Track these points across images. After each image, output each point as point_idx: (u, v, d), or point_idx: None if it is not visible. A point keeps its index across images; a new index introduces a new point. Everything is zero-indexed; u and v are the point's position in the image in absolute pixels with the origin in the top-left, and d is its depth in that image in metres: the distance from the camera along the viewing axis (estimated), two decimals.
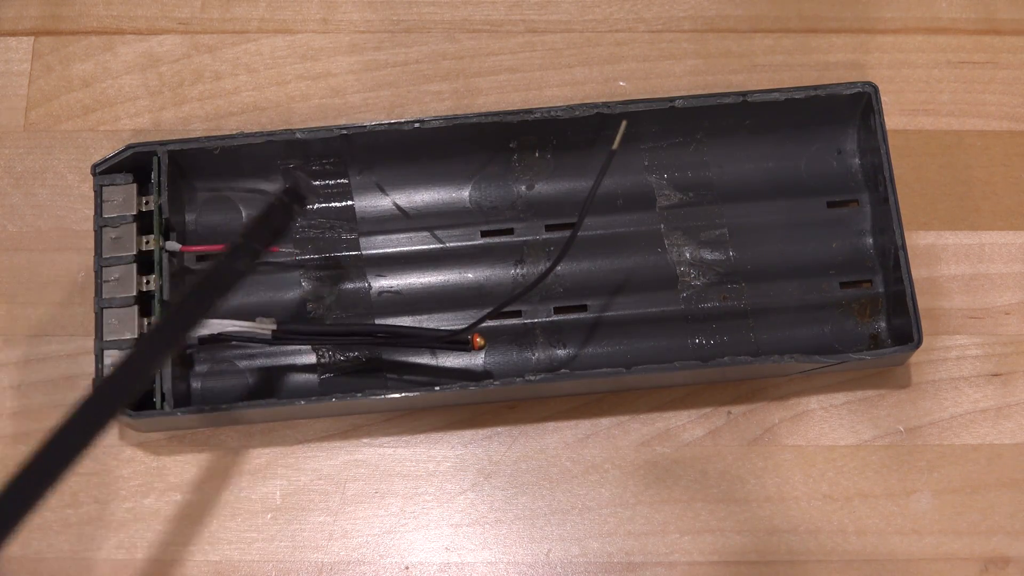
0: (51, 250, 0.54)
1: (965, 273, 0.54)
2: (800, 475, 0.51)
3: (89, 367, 0.52)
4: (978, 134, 0.56)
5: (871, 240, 0.53)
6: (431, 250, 0.54)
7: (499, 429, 0.52)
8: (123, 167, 0.51)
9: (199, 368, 0.52)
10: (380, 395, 0.49)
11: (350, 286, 0.53)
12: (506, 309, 0.52)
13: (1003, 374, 0.53)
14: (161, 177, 0.51)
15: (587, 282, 0.53)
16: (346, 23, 0.57)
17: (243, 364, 0.52)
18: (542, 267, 0.53)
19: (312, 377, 0.52)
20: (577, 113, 0.52)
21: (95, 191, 0.51)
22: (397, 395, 0.49)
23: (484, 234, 0.54)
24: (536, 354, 0.52)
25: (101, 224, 0.50)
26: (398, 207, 0.54)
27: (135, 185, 0.51)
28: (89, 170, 0.51)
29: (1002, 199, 0.55)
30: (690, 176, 0.54)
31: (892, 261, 0.51)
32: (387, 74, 0.56)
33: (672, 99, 0.52)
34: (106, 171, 0.51)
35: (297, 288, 0.53)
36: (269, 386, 0.52)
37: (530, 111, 0.52)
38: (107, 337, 0.49)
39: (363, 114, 0.56)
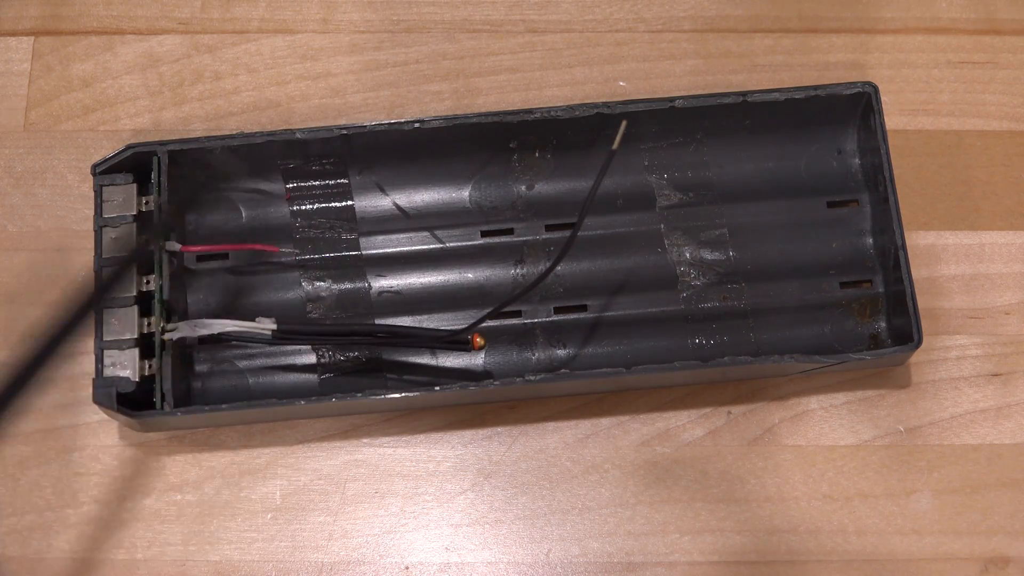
0: (51, 250, 0.54)
1: (965, 273, 0.54)
2: (800, 475, 0.51)
3: (89, 367, 0.51)
4: (978, 134, 0.56)
5: (871, 240, 0.53)
6: (431, 250, 0.54)
7: (499, 429, 0.52)
8: (123, 167, 0.51)
9: (199, 368, 0.52)
10: (380, 395, 0.49)
11: (350, 286, 0.53)
12: (506, 309, 0.52)
13: (1003, 374, 0.53)
14: (161, 177, 0.51)
15: (587, 282, 0.53)
16: (346, 23, 0.57)
17: (243, 364, 0.52)
18: (542, 267, 0.53)
19: (312, 377, 0.52)
20: (577, 113, 0.52)
21: (95, 191, 0.51)
22: (397, 395, 0.49)
23: (484, 234, 0.54)
24: (536, 354, 0.52)
25: (101, 224, 0.50)
26: (398, 207, 0.54)
27: (135, 185, 0.51)
28: (89, 170, 0.51)
29: (1002, 199, 0.55)
30: (690, 176, 0.54)
31: (892, 261, 0.51)
32: (387, 74, 0.56)
33: (672, 99, 0.52)
34: (106, 171, 0.51)
35: (297, 288, 0.53)
36: (269, 386, 0.52)
37: (530, 111, 0.52)
38: (107, 337, 0.49)
39: (363, 114, 0.56)
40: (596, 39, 0.57)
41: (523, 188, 0.54)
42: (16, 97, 0.56)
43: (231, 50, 0.56)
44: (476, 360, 0.52)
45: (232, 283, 0.53)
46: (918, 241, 0.54)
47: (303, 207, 0.54)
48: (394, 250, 0.54)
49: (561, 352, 0.53)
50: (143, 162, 0.51)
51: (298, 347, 0.52)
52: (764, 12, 0.57)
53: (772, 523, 0.51)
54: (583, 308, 0.53)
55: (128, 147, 0.51)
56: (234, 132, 0.53)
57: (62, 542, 0.51)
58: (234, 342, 0.51)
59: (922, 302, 0.52)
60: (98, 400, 0.48)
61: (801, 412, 0.52)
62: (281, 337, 0.49)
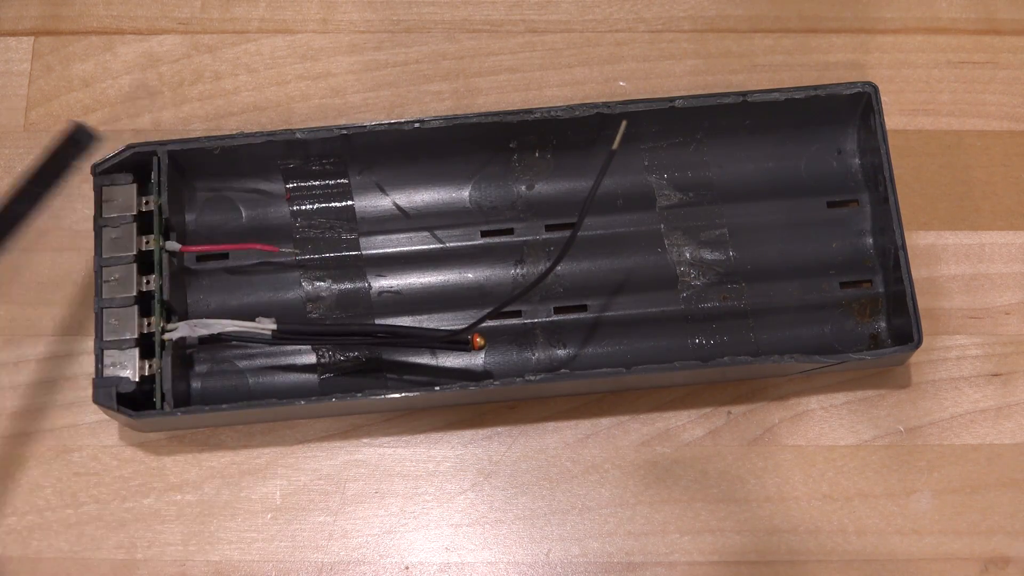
0: (51, 250, 0.54)
1: (965, 273, 0.54)
2: (800, 475, 0.51)
3: (89, 367, 0.52)
4: (978, 134, 0.56)
5: (871, 240, 0.53)
6: (431, 250, 0.54)
7: (499, 429, 0.52)
8: (123, 167, 0.51)
9: (199, 368, 0.52)
10: (380, 395, 0.49)
11: (350, 286, 0.53)
12: (506, 309, 0.52)
13: (1003, 374, 0.53)
14: (161, 177, 0.51)
15: (587, 282, 0.53)
16: (346, 23, 0.57)
17: (243, 364, 0.52)
18: (542, 267, 0.53)
19: (312, 377, 0.52)
20: (577, 113, 0.52)
21: (95, 191, 0.51)
22: (397, 395, 0.49)
23: (484, 234, 0.54)
24: (536, 354, 0.52)
25: (101, 224, 0.50)
26: (398, 207, 0.54)
27: (135, 185, 0.51)
28: (89, 170, 0.51)
29: (1002, 199, 0.55)
30: (690, 176, 0.54)
31: (892, 261, 0.51)
32: (387, 74, 0.56)
33: (672, 99, 0.52)
34: (106, 171, 0.51)
35: (297, 288, 0.53)
36: (269, 386, 0.52)
37: (530, 111, 0.52)
38: (107, 337, 0.49)
39: (363, 114, 0.56)
40: (596, 39, 0.57)
41: (523, 188, 0.54)
42: (16, 97, 0.56)
43: (231, 50, 0.56)
44: (476, 360, 0.52)
45: (232, 283, 0.53)
46: (918, 241, 0.54)
47: (303, 207, 0.54)
48: (394, 250, 0.54)
49: (561, 352, 0.53)
50: (143, 162, 0.51)
51: (298, 347, 0.52)
52: (764, 12, 0.57)
53: (772, 523, 0.51)
54: (583, 308, 0.53)
55: (128, 147, 0.51)
56: (234, 132, 0.53)
57: (62, 542, 0.51)
58: (234, 342, 0.51)
59: (922, 302, 0.52)
60: (98, 400, 0.48)
61: (801, 412, 0.52)
62: (281, 337, 0.49)
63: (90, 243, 0.52)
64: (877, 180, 0.52)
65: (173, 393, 0.49)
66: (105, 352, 0.49)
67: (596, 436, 0.52)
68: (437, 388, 0.49)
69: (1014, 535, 0.51)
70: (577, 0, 0.57)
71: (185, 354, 0.52)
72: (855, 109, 0.53)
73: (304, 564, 0.50)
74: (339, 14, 0.57)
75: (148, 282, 0.50)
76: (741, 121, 0.53)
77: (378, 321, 0.53)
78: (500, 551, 0.51)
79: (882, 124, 0.52)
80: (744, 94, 0.52)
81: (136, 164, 0.51)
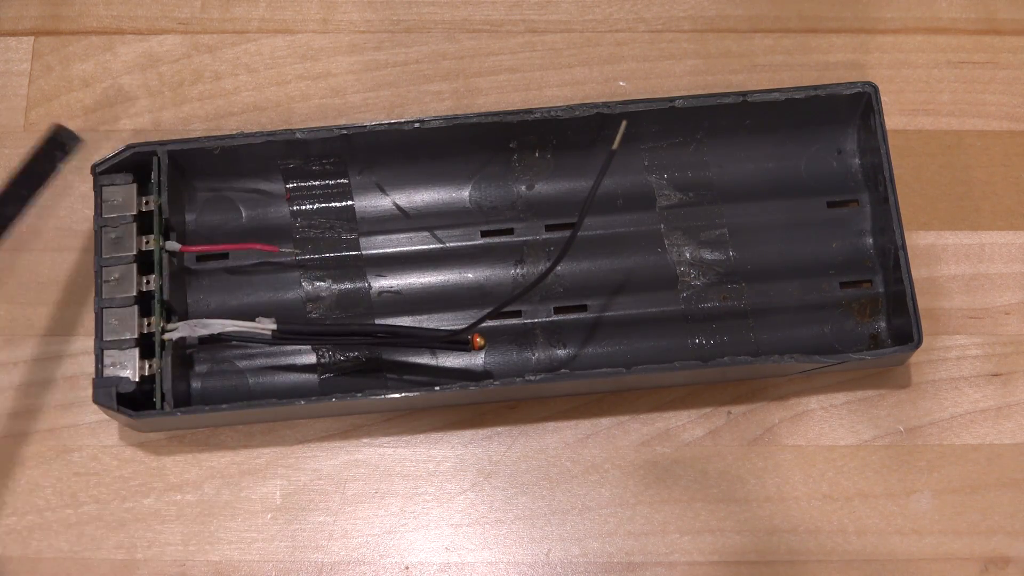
0: (51, 250, 0.54)
1: (965, 273, 0.54)
2: (800, 475, 0.51)
3: (89, 367, 0.52)
4: (978, 134, 0.56)
5: (871, 240, 0.53)
6: (431, 250, 0.54)
7: (499, 429, 0.52)
8: (123, 167, 0.51)
9: (199, 368, 0.52)
10: (380, 395, 0.49)
11: (350, 286, 0.53)
12: (506, 309, 0.52)
13: (1003, 374, 0.53)
14: (161, 177, 0.51)
15: (587, 282, 0.53)
16: (346, 23, 0.57)
17: (243, 364, 0.52)
18: (542, 267, 0.53)
19: (312, 377, 0.52)
20: (577, 113, 0.52)
21: (95, 191, 0.51)
22: (397, 395, 0.49)
23: (484, 234, 0.54)
24: (536, 354, 0.52)
25: (101, 224, 0.50)
26: (398, 207, 0.54)
27: (135, 185, 0.51)
28: (89, 170, 0.51)
29: (1002, 199, 0.55)
30: (690, 176, 0.54)
31: (892, 261, 0.51)
32: (387, 74, 0.56)
33: (672, 99, 0.52)
34: (106, 171, 0.51)
35: (297, 288, 0.53)
36: (269, 386, 0.52)
37: (530, 111, 0.52)
38: (107, 337, 0.49)
39: (363, 114, 0.56)
40: (596, 39, 0.57)
41: (523, 188, 0.54)
42: (16, 97, 0.56)
43: (231, 50, 0.56)
44: (476, 360, 0.52)
45: (232, 283, 0.53)
46: (918, 241, 0.54)
47: (303, 207, 0.54)
48: (394, 250, 0.54)
49: (561, 352, 0.53)
50: (143, 162, 0.51)
51: (298, 347, 0.52)
52: (764, 12, 0.57)
53: (772, 523, 0.51)
54: (583, 308, 0.53)
55: (128, 147, 0.51)
56: (234, 132, 0.53)
57: (62, 542, 0.51)
58: (234, 342, 0.51)
59: (922, 302, 0.52)
60: (98, 400, 0.48)
61: (801, 412, 0.52)
62: (281, 337, 0.49)
63: (90, 243, 0.53)
64: (877, 180, 0.52)
65: (173, 393, 0.49)
66: (105, 352, 0.49)
67: (596, 436, 0.52)
68: (437, 388, 0.49)
69: (1014, 535, 0.51)
70: (577, 0, 0.57)
71: (185, 354, 0.52)
72: (855, 109, 0.53)
73: (304, 564, 0.50)
74: (339, 14, 0.57)
75: (148, 282, 0.50)
76: (741, 121, 0.54)
77: (378, 321, 0.53)
78: (500, 551, 0.51)
79: (882, 124, 0.52)
80: (744, 94, 0.52)
81: (136, 164, 0.51)
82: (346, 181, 0.54)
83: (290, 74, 0.56)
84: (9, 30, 0.56)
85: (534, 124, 0.52)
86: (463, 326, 0.50)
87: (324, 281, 0.53)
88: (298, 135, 0.51)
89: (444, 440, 0.52)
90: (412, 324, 0.52)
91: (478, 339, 0.49)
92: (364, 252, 0.53)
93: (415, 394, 0.49)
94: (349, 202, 0.54)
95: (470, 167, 0.54)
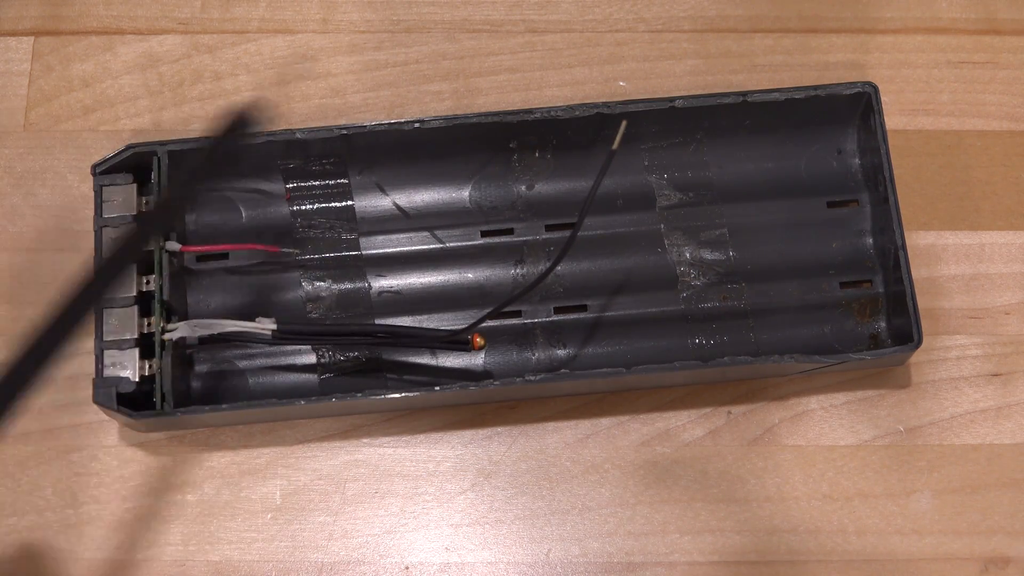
0: (51, 250, 0.54)
1: (965, 273, 0.54)
2: (800, 475, 0.51)
3: (89, 367, 0.51)
4: (978, 134, 0.56)
5: (871, 240, 0.53)
6: (431, 250, 0.54)
7: (499, 429, 0.52)
8: (123, 167, 0.51)
9: (199, 368, 0.52)
10: (380, 395, 0.49)
11: (350, 286, 0.53)
12: (506, 309, 0.52)
13: (1003, 374, 0.53)
14: (161, 177, 0.51)
15: (587, 282, 0.53)
16: (346, 23, 0.57)
17: (243, 364, 0.52)
18: (542, 267, 0.53)
19: (312, 377, 0.52)
20: (577, 113, 0.52)
21: (95, 191, 0.51)
22: (397, 395, 0.49)
23: (484, 234, 0.54)
24: (536, 354, 0.52)
25: (101, 224, 0.50)
26: (398, 207, 0.54)
27: (135, 185, 0.51)
28: (89, 170, 0.51)
29: (1002, 199, 0.55)
30: (690, 176, 0.54)
31: (892, 261, 0.51)
32: (387, 74, 0.56)
33: (672, 99, 0.52)
34: (106, 171, 0.51)
35: (297, 288, 0.53)
36: (269, 386, 0.52)
37: (530, 111, 0.52)
38: (107, 337, 0.49)
39: (363, 114, 0.56)
40: (596, 39, 0.57)
41: (523, 188, 0.54)
42: (16, 97, 0.56)
43: (231, 50, 0.56)
44: (476, 360, 0.52)
45: (232, 283, 0.53)
46: (918, 241, 0.54)
47: (303, 207, 0.54)
48: (394, 250, 0.54)
49: (561, 352, 0.53)
50: (143, 162, 0.51)
51: (298, 347, 0.52)
52: (764, 12, 0.57)
53: (772, 523, 0.51)
54: (583, 308, 0.53)
55: (128, 147, 0.51)
56: None
57: (62, 542, 0.51)
58: (234, 342, 0.51)
59: (922, 302, 0.52)
60: (98, 400, 0.48)
61: (801, 412, 0.52)
62: (281, 337, 0.49)
63: (90, 243, 0.52)
64: (877, 180, 0.52)
65: (173, 393, 0.49)
66: (105, 352, 0.49)
67: (596, 436, 0.52)
68: (437, 388, 0.49)
69: (1014, 535, 0.51)
70: (577, 0, 0.57)
71: (185, 354, 0.52)
72: (855, 109, 0.53)
73: (304, 564, 0.50)
74: (339, 14, 0.57)
75: (148, 282, 0.50)
76: (741, 121, 0.53)
77: (378, 321, 0.53)
78: (500, 551, 0.51)
79: (882, 124, 0.52)
80: (744, 94, 0.52)
81: (136, 164, 0.51)
82: (346, 181, 0.54)
83: (290, 74, 0.56)
84: (9, 30, 0.56)
85: (534, 124, 0.52)
86: (463, 326, 0.50)
87: (324, 281, 0.53)
88: (298, 135, 0.51)
89: (444, 440, 0.52)
90: (412, 324, 0.52)
91: (478, 339, 0.49)
92: (364, 252, 0.53)
93: (415, 394, 0.49)
94: (349, 202, 0.54)
95: (470, 167, 0.54)
